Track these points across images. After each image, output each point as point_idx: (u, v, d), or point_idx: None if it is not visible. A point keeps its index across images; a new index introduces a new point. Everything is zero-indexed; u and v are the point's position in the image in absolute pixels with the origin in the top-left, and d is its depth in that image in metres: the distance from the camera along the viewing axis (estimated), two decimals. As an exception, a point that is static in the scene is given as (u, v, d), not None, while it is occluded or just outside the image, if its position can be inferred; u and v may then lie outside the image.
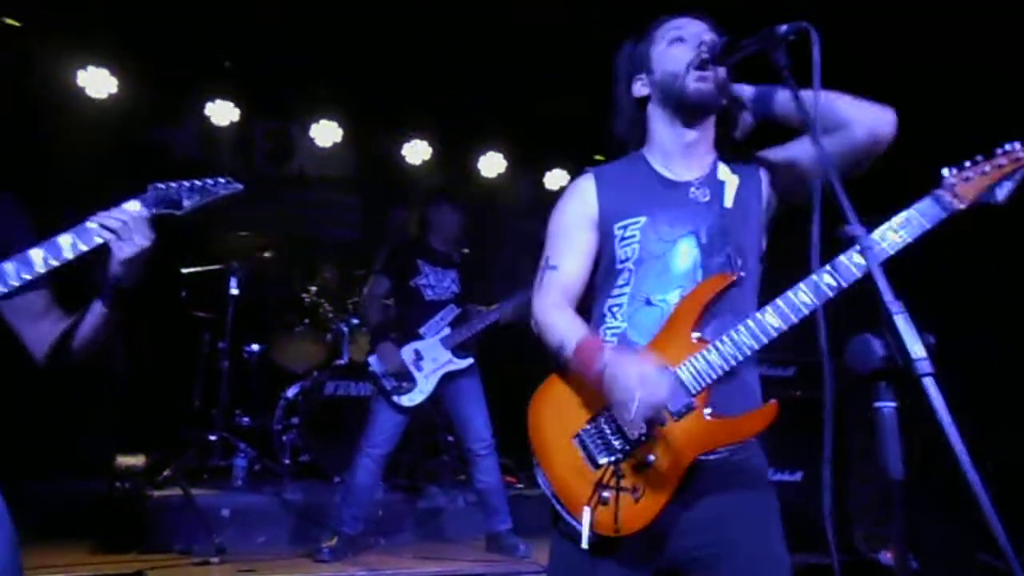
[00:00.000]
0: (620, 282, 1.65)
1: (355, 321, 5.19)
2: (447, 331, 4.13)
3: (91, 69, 5.33)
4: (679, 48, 1.65)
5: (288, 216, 5.38)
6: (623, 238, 1.65)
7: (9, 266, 1.57)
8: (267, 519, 4.21)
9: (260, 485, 4.60)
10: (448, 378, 4.09)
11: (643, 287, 1.62)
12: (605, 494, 1.47)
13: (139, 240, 1.62)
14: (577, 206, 1.72)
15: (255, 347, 5.18)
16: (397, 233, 4.56)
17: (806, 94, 1.37)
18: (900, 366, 1.03)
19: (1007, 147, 1.42)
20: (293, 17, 5.19)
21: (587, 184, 1.73)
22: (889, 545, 3.63)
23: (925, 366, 1.00)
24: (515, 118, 6.49)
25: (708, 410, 1.48)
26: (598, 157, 6.64)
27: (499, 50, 5.41)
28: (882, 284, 1.07)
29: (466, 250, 4.51)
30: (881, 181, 1.73)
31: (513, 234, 6.90)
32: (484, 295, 4.40)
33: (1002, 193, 1.42)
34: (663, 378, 1.40)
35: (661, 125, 1.71)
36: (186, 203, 1.67)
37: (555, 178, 6.75)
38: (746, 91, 1.64)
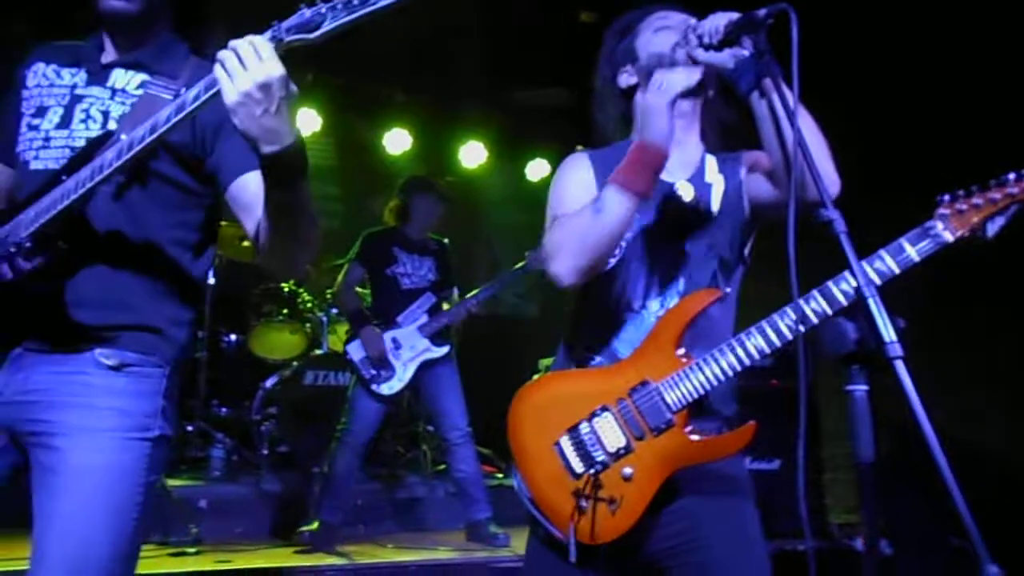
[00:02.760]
0: (607, 280, 1.64)
1: (334, 311, 5.17)
2: (424, 319, 4.12)
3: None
4: (665, 34, 1.64)
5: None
6: None
7: (164, 112, 1.29)
8: (245, 510, 4.19)
9: (238, 476, 4.57)
10: (426, 366, 4.09)
11: (628, 289, 1.61)
12: (583, 503, 1.48)
13: (251, 74, 1.16)
14: (578, 177, 1.68)
15: (233, 337, 5.14)
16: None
17: (785, 123, 1.34)
18: (872, 349, 1.04)
19: (1003, 179, 1.36)
20: (271, 3, 5.13)
21: (584, 163, 1.70)
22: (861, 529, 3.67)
23: (896, 349, 1.01)
24: (496, 108, 6.47)
25: (688, 428, 1.49)
26: (579, 148, 6.64)
27: (480, 39, 5.38)
28: (856, 268, 1.07)
29: (446, 240, 4.50)
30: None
31: (494, 223, 6.89)
32: (464, 285, 4.40)
33: (992, 228, 1.36)
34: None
35: None
36: (327, 24, 1.16)
37: (536, 168, 6.74)
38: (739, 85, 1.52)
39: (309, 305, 5.22)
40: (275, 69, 1.18)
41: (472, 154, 6.60)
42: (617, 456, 1.49)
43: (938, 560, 3.31)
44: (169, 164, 1.48)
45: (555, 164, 6.04)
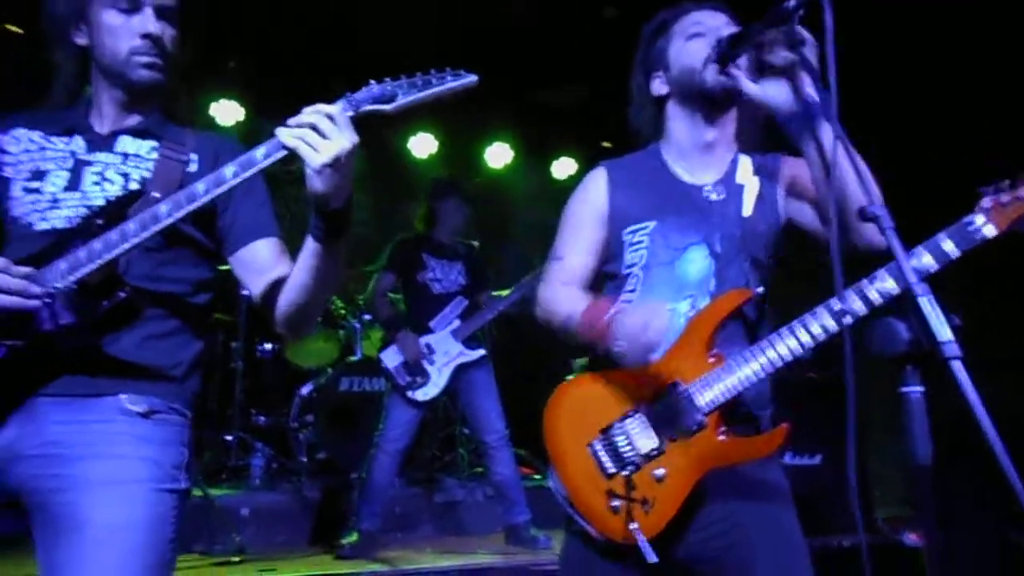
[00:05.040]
0: (628, 287, 1.64)
1: (367, 317, 5.19)
2: (457, 323, 4.12)
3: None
4: (697, 43, 1.61)
5: (296, 214, 5.36)
6: (632, 244, 1.64)
7: (200, 185, 1.37)
8: (286, 517, 4.22)
9: (278, 483, 4.62)
10: (461, 370, 4.09)
11: (652, 294, 1.60)
12: (615, 503, 1.49)
13: (335, 144, 1.29)
14: (587, 202, 1.71)
15: (268, 346, 5.18)
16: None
17: (828, 145, 1.32)
18: (926, 349, 1.00)
19: None
20: (295, 14, 5.17)
21: (599, 182, 1.71)
22: (912, 526, 3.60)
23: (952, 349, 0.97)
24: (520, 107, 6.46)
25: (720, 429, 1.48)
26: (605, 144, 6.60)
27: (501, 39, 5.38)
28: (905, 266, 1.04)
29: (476, 243, 4.50)
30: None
31: (522, 223, 6.88)
32: (494, 286, 4.39)
33: None
34: (660, 321, 1.41)
35: (680, 123, 1.67)
36: (401, 98, 1.33)
37: (562, 166, 6.71)
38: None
39: (342, 312, 5.25)
40: (354, 138, 1.31)
41: (498, 155, 6.60)
42: (649, 457, 1.49)
43: (993, 554, 3.23)
44: (186, 223, 1.48)
45: (580, 161, 6.06)
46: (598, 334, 1.49)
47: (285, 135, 1.30)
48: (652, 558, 1.42)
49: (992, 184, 1.35)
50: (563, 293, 1.65)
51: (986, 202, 1.34)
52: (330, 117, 1.30)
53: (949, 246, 1.33)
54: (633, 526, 1.45)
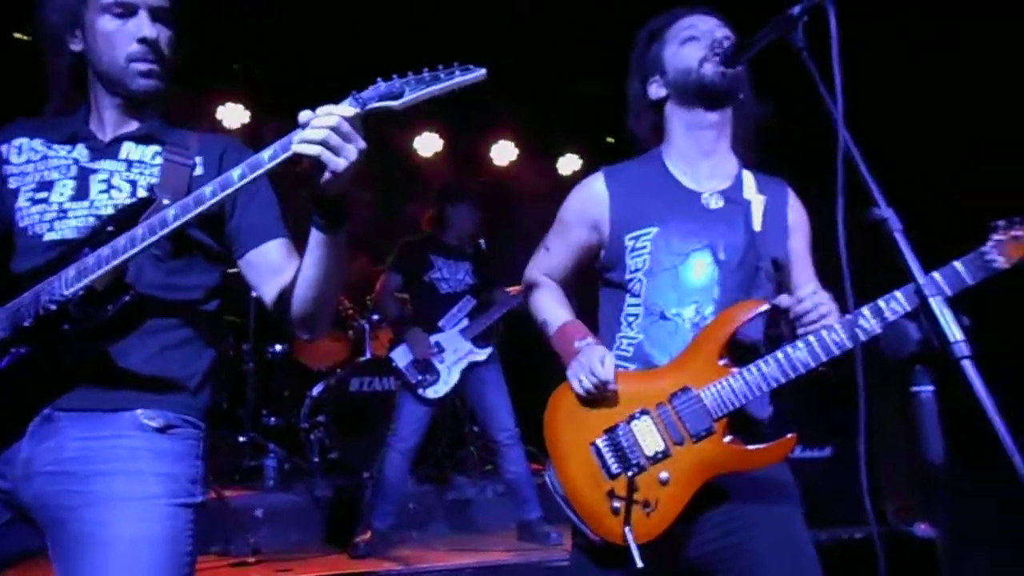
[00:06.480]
0: (632, 293, 1.65)
1: (375, 317, 5.22)
2: (465, 322, 4.14)
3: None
4: (691, 46, 1.64)
5: (302, 215, 5.37)
6: (634, 249, 1.65)
7: (207, 188, 1.33)
8: (300, 518, 4.25)
9: (291, 484, 4.64)
10: (470, 368, 4.11)
11: (657, 299, 1.61)
12: (616, 504, 1.49)
13: (355, 148, 1.27)
14: (583, 204, 1.73)
15: (278, 347, 5.21)
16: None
17: None
18: (937, 349, 1.02)
19: None
20: (296, 16, 5.19)
21: (599, 187, 1.72)
22: (923, 518, 3.61)
23: (963, 348, 0.99)
24: (524, 105, 6.46)
25: (728, 437, 1.49)
26: (609, 139, 6.59)
27: (504, 36, 5.38)
28: (915, 268, 1.05)
29: (482, 241, 4.51)
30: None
31: (529, 221, 6.89)
32: (502, 283, 4.40)
33: None
34: (599, 370, 1.53)
35: (680, 124, 1.69)
36: (409, 94, 1.28)
37: (568, 162, 6.71)
38: None
39: (350, 312, 5.28)
40: (364, 140, 1.29)
41: (503, 153, 6.60)
42: (655, 460, 1.50)
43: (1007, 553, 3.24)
44: (195, 227, 1.46)
45: (586, 158, 6.03)
46: (562, 355, 1.63)
47: (303, 146, 1.27)
48: (639, 563, 1.43)
49: (1006, 220, 1.37)
50: (543, 292, 1.79)
51: (1000, 234, 1.36)
52: (347, 119, 1.26)
53: (963, 273, 1.34)
54: (626, 529, 1.45)
